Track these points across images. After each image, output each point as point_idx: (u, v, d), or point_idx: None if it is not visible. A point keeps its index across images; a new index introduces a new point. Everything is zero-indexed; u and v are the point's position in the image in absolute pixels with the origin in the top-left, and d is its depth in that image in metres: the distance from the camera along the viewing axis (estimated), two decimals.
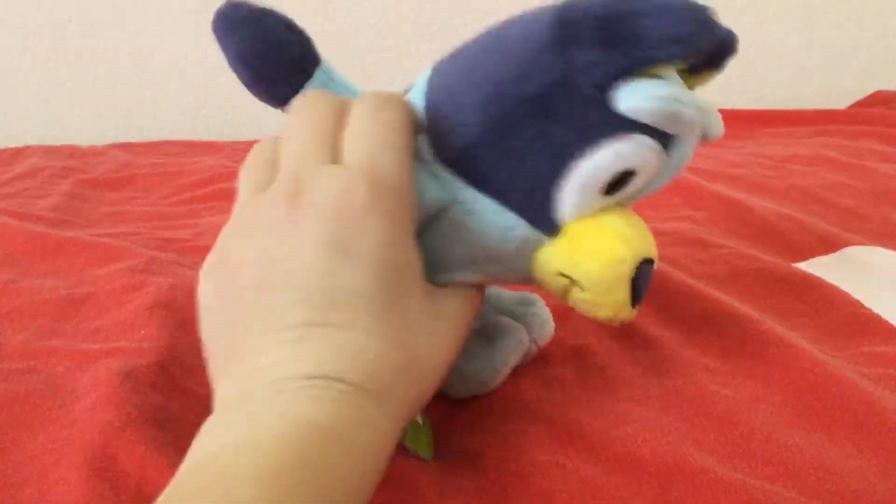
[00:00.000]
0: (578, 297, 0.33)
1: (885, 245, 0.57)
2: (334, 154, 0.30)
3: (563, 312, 0.46)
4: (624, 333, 0.44)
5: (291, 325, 0.27)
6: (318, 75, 0.36)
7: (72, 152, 0.95)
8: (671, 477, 0.31)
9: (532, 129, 0.31)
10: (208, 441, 0.24)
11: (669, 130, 0.31)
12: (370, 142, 0.30)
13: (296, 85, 0.35)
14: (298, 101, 0.32)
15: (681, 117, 0.30)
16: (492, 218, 0.32)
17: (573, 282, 0.33)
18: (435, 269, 0.33)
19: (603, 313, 0.33)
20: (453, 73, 0.33)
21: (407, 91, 0.36)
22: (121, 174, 0.85)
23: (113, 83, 1.13)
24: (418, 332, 0.29)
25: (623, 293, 0.32)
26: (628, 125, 0.30)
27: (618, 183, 0.32)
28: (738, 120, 1.08)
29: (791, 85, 1.22)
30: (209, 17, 0.34)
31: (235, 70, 0.35)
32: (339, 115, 0.31)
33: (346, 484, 0.24)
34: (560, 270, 0.33)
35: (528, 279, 0.35)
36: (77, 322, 0.45)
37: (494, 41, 0.32)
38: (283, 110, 0.36)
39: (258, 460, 0.23)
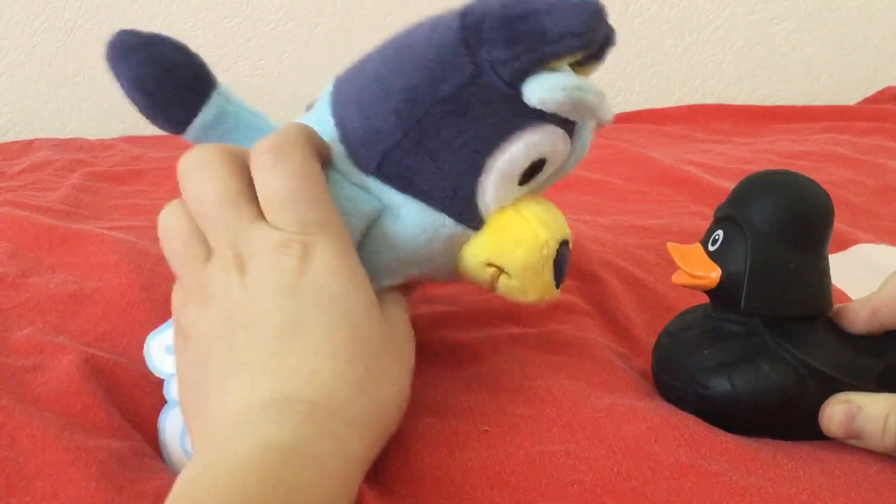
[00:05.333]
0: (507, 285, 0.35)
1: (895, 243, 0.57)
2: (253, 206, 0.31)
3: (567, 306, 0.46)
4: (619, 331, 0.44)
5: (248, 363, 0.28)
6: (214, 98, 0.36)
7: (81, 145, 0.96)
8: (684, 473, 0.31)
9: (449, 130, 0.32)
10: (182, 476, 0.25)
11: (574, 117, 0.33)
12: (283, 203, 0.30)
13: (192, 108, 0.35)
14: (194, 158, 0.32)
15: (585, 104, 0.32)
16: (420, 219, 0.34)
17: (501, 270, 0.35)
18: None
19: (531, 296, 0.35)
20: (359, 85, 0.34)
21: (309, 107, 0.37)
22: (129, 168, 0.85)
23: None
24: (371, 347, 0.30)
25: (548, 275, 0.35)
26: (537, 116, 0.32)
27: (531, 172, 0.34)
28: (747, 116, 1.07)
29: (800, 81, 1.21)
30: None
31: (131, 97, 0.35)
32: (243, 167, 0.32)
33: (313, 498, 0.24)
34: (488, 260, 0.34)
35: (453, 276, 0.37)
36: (83, 320, 0.45)
37: (399, 50, 0.34)
38: (182, 137, 0.36)
39: (225, 481, 0.24)
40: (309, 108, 0.37)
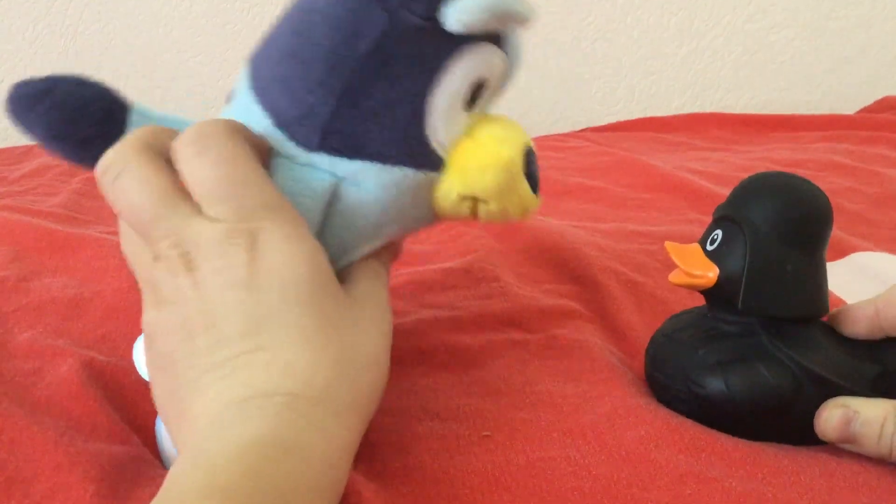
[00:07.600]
0: (487, 211, 0.34)
1: (893, 251, 0.57)
2: (190, 201, 0.29)
3: (567, 311, 0.46)
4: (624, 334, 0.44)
5: (218, 364, 0.28)
6: (133, 119, 0.34)
7: None
8: (684, 479, 0.31)
9: (380, 84, 0.31)
10: (166, 479, 0.25)
11: (502, 29, 0.32)
12: (218, 191, 0.29)
13: (114, 137, 0.33)
14: (110, 163, 0.30)
15: (510, 13, 0.31)
16: (380, 179, 0.33)
17: (477, 200, 0.34)
18: (340, 253, 0.33)
19: (514, 213, 0.34)
20: (275, 63, 0.33)
21: (229, 99, 0.36)
22: None
23: (121, 84, 1.12)
24: (342, 327, 0.29)
25: (523, 188, 0.34)
26: (462, 40, 0.31)
27: (473, 94, 0.33)
28: (746, 125, 1.07)
29: (799, 90, 1.22)
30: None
31: (49, 147, 0.33)
32: (167, 161, 0.30)
33: (300, 490, 0.24)
34: (461, 194, 0.34)
35: (432, 220, 0.36)
36: (84, 323, 0.45)
37: (305, 16, 0.32)
38: None
39: (208, 479, 0.23)
40: (229, 99, 0.36)
